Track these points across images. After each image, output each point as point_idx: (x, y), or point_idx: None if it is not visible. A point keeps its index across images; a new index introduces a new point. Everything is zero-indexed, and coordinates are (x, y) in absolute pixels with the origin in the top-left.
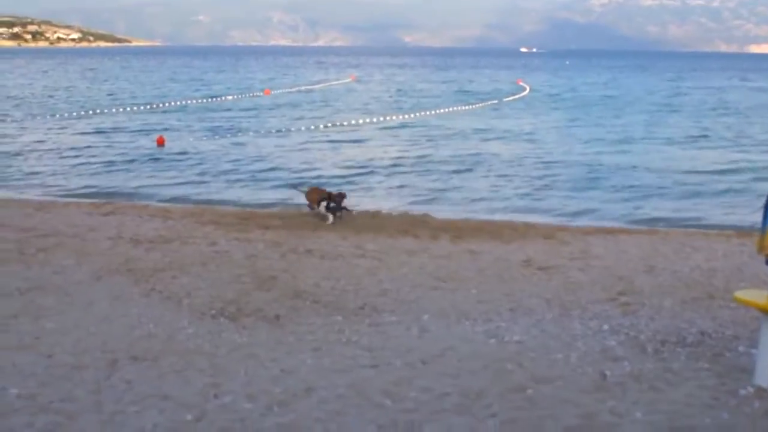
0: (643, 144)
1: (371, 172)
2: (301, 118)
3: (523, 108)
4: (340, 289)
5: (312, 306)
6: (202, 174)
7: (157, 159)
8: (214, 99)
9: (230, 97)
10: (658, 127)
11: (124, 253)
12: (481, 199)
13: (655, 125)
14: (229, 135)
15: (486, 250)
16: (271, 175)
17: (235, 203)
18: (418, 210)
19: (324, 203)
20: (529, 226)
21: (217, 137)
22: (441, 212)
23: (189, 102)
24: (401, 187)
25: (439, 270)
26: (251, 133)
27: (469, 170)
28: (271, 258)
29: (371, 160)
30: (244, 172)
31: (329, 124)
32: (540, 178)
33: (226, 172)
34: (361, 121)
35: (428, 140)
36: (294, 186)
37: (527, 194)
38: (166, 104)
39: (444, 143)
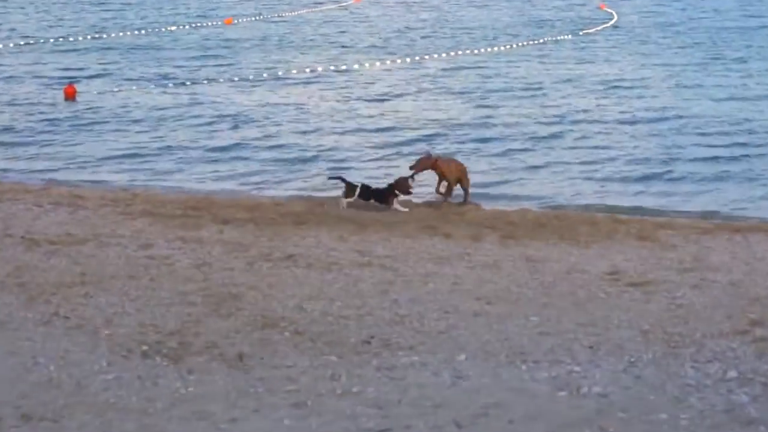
0: None
1: (392, 143)
2: (283, 62)
3: (614, 43)
4: (335, 315)
5: (292, 339)
6: (131, 142)
7: (64, 119)
8: (153, 31)
9: (174, 28)
10: None
11: (11, 260)
12: (548, 182)
13: None
14: (171, 85)
15: (552, 256)
16: (235, 146)
17: (179, 187)
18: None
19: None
20: (616, 221)
21: (154, 88)
22: (488, 200)
23: (116, 35)
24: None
25: (482, 286)
26: (205, 83)
27: (534, 138)
28: (233, 268)
29: (392, 124)
30: (194, 140)
31: (331, 68)
32: (640, 151)
33: (166, 140)
34: (378, 65)
35: (478, 93)
36: (336, 178)
37: (619, 175)
38: (84, 39)
39: (499, 99)
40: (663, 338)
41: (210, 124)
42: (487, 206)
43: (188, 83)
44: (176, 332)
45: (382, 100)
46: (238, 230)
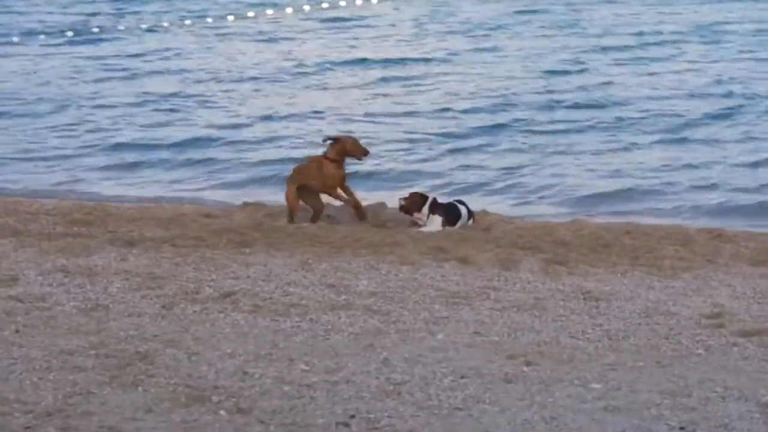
0: None
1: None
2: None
3: None
4: (296, 383)
5: (232, 421)
6: None
7: None
8: None
9: None
10: None
11: None
12: (611, 179)
13: None
14: (45, 37)
15: (622, 291)
16: (142, 131)
17: (59, 192)
18: (480, 201)
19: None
20: (719, 238)
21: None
22: (523, 207)
23: None
24: (455, 151)
25: (517, 338)
26: (96, 31)
27: (592, 121)
28: (142, 313)
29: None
30: (78, 122)
31: (305, 7)
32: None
33: (37, 122)
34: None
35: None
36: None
37: (721, 171)
38: None
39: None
40: None
41: (95, 101)
42: (522, 216)
43: (67, 35)
44: (55, 412)
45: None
46: (149, 255)
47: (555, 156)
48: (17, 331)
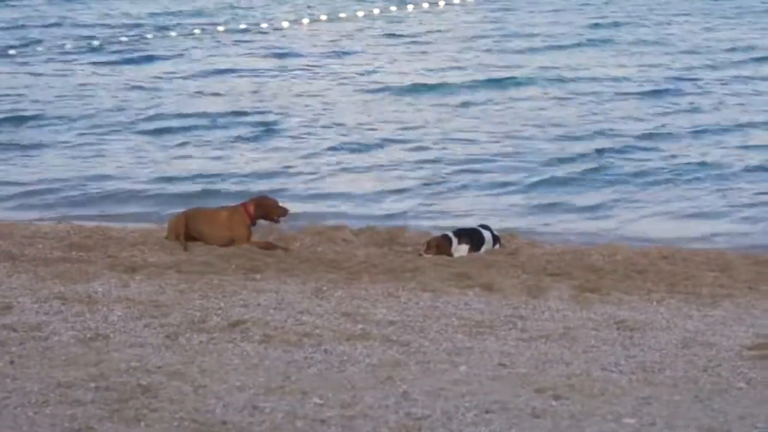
0: None
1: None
2: None
3: None
4: (309, 418)
5: None
6: None
7: None
8: None
9: None
10: None
11: None
12: (645, 202)
13: None
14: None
15: (657, 320)
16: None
17: (57, 215)
18: (511, 222)
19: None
20: (762, 264)
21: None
22: (551, 232)
23: None
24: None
25: (546, 370)
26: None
27: (623, 138)
28: (145, 343)
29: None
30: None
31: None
32: None
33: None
34: None
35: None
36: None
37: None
38: None
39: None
40: None
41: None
42: (551, 241)
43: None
44: None
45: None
46: (152, 282)
47: None
48: (11, 363)
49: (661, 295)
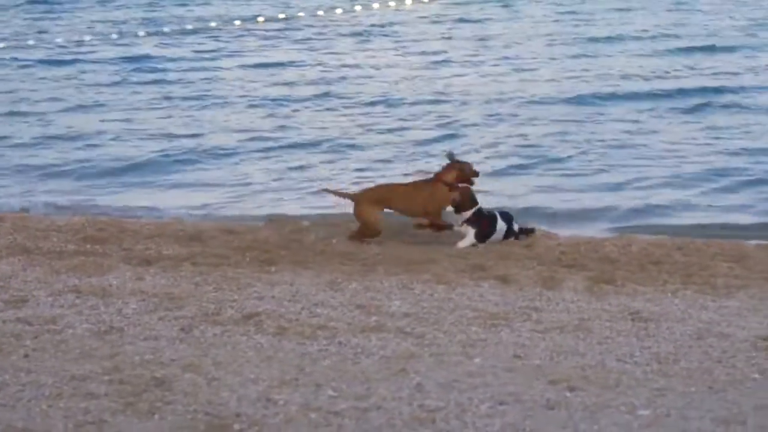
0: None
1: None
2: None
3: None
4: (324, 410)
5: None
6: None
7: None
8: None
9: None
10: None
11: None
12: (660, 190)
13: None
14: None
15: (672, 311)
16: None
17: (72, 207)
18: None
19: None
20: None
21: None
22: (567, 222)
23: None
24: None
25: (560, 361)
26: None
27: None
28: (159, 336)
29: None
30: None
31: None
32: None
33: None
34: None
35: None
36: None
37: None
38: None
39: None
40: None
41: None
42: (567, 232)
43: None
44: None
45: None
46: (167, 274)
47: None
48: (26, 356)
49: (675, 286)
